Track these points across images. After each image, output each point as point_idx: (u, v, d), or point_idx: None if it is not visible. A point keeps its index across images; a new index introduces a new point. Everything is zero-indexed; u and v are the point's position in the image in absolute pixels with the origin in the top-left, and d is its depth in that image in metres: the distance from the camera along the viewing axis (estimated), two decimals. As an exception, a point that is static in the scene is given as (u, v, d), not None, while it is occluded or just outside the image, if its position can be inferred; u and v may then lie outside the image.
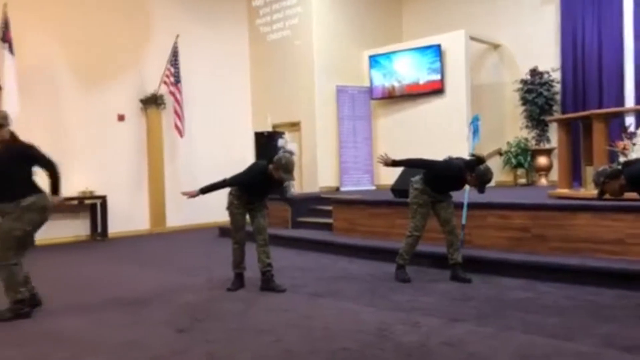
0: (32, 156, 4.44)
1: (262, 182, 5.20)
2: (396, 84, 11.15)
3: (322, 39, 11.12)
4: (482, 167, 5.11)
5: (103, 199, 9.79)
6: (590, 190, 5.97)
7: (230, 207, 5.34)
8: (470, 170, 5.14)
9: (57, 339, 3.85)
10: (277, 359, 3.34)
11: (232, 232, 5.43)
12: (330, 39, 11.24)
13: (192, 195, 5.10)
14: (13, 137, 4.42)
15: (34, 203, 4.36)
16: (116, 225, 9.99)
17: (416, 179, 5.50)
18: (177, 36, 10.42)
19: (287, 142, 9.89)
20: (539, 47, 10.53)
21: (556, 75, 10.23)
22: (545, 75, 10.22)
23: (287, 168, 5.06)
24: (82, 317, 4.45)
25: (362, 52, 11.71)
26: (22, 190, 4.36)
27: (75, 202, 9.48)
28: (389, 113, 11.53)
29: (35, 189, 4.43)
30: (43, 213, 4.45)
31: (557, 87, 10.27)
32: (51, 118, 9.23)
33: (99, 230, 9.82)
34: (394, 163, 5.37)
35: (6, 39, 8.39)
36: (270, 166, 5.10)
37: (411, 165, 5.76)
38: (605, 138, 5.94)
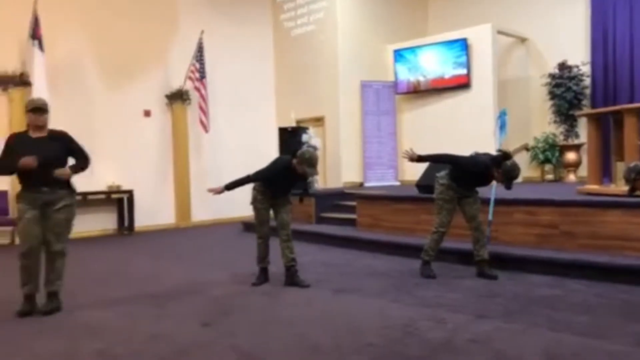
0: (71, 148, 4.53)
1: (285, 176, 5.21)
2: (421, 79, 11.05)
3: (347, 33, 11.08)
4: (509, 163, 5.02)
5: (130, 193, 9.92)
6: (620, 187, 5.84)
7: (254, 202, 5.36)
8: (497, 167, 5.06)
9: (89, 331, 3.91)
10: (303, 353, 3.35)
11: (257, 227, 5.45)
12: (355, 33, 11.20)
13: (218, 191, 5.13)
14: None
15: (74, 191, 4.54)
16: (142, 220, 10.12)
17: (442, 175, 5.45)
18: (202, 32, 10.49)
19: (311, 137, 9.88)
20: (568, 41, 10.32)
21: (586, 70, 10.03)
22: (575, 70, 10.02)
23: (311, 162, 5.06)
24: (111, 309, 4.52)
25: (386, 47, 11.64)
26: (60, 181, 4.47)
27: (103, 196, 9.63)
28: (414, 108, 11.45)
29: None
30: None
31: (587, 82, 10.07)
32: (79, 114, 9.36)
33: (126, 224, 9.96)
34: (420, 159, 5.31)
35: (36, 36, 8.54)
36: (294, 161, 5.10)
37: (437, 160, 5.71)
38: (637, 133, 5.79)
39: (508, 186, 5.08)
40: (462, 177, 5.31)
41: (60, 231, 4.41)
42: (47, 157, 4.27)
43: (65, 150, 4.47)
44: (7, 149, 4.39)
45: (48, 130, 4.47)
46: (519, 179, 9.83)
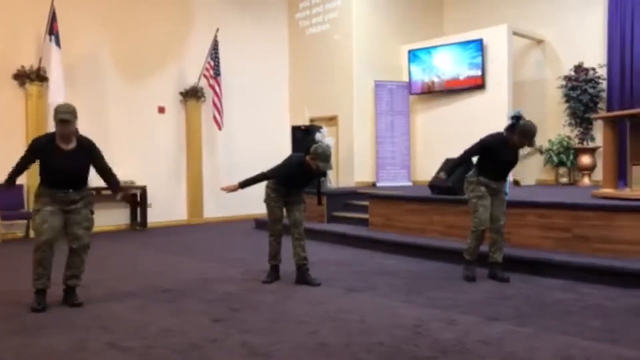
0: (96, 164, 4.60)
1: (300, 173, 5.21)
2: (436, 79, 11.01)
3: (362, 33, 11.07)
4: (522, 122, 5.02)
5: (143, 189, 9.99)
6: (635, 191, 5.79)
7: (267, 200, 5.37)
8: (512, 131, 5.04)
9: (99, 325, 3.95)
10: (313, 351, 3.35)
11: (269, 225, 5.45)
12: (370, 33, 11.18)
13: (232, 189, 5.12)
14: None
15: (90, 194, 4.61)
16: (155, 216, 10.18)
17: (470, 174, 5.41)
18: (217, 29, 10.53)
19: (325, 136, 9.88)
20: (585, 43, 10.23)
21: (602, 72, 9.92)
22: (591, 72, 9.93)
23: (324, 157, 5.05)
24: (123, 303, 4.56)
25: (401, 47, 11.61)
26: (85, 183, 4.56)
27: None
28: (428, 108, 11.41)
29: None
30: None
31: (603, 84, 9.96)
32: (94, 109, 9.45)
33: (139, 219, 10.03)
34: (448, 174, 5.35)
35: (53, 32, 8.62)
36: (307, 157, 5.10)
37: (458, 164, 5.67)
38: (654, 137, 5.75)
39: (530, 143, 5.07)
40: (487, 163, 5.27)
41: (88, 225, 4.53)
42: (76, 169, 4.41)
43: (90, 162, 4.55)
44: (29, 154, 4.44)
45: (77, 139, 4.43)
46: (532, 182, 9.74)
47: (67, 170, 4.36)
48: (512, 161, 5.34)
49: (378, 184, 10.93)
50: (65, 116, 4.24)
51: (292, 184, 5.31)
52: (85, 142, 4.51)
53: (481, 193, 5.28)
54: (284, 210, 5.41)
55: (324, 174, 5.62)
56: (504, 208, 5.36)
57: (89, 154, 4.51)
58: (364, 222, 8.23)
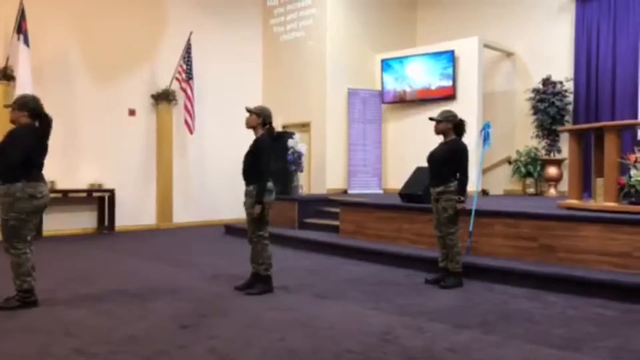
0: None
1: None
2: (408, 89, 11.13)
3: (335, 41, 11.13)
4: None
5: (111, 192, 9.83)
6: (600, 202, 5.94)
7: (269, 203, 5.10)
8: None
9: (64, 330, 3.86)
10: (281, 357, 3.34)
11: (265, 227, 5.11)
12: (344, 41, 11.25)
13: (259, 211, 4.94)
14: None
15: (22, 190, 4.30)
16: (123, 219, 10.03)
17: None
18: (191, 33, 10.46)
19: (297, 142, 9.88)
20: (553, 57, 10.50)
21: (569, 86, 10.18)
22: (558, 85, 10.18)
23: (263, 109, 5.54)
24: (88, 308, 4.47)
25: (374, 56, 11.71)
26: (12, 175, 4.32)
27: (84, 194, 9.54)
28: (400, 117, 11.51)
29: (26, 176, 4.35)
30: (32, 201, 4.35)
31: (570, 98, 10.22)
32: (63, 110, 9.23)
33: (106, 223, 9.86)
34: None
35: (22, 30, 8.44)
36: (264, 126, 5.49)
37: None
38: (617, 150, 5.91)
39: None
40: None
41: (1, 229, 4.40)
42: None
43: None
44: None
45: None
46: (500, 192, 9.90)
47: None
48: (433, 158, 5.70)
49: (349, 191, 10.97)
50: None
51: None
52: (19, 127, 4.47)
53: (431, 199, 5.55)
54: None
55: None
56: (447, 214, 5.34)
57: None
58: (335, 229, 8.25)
